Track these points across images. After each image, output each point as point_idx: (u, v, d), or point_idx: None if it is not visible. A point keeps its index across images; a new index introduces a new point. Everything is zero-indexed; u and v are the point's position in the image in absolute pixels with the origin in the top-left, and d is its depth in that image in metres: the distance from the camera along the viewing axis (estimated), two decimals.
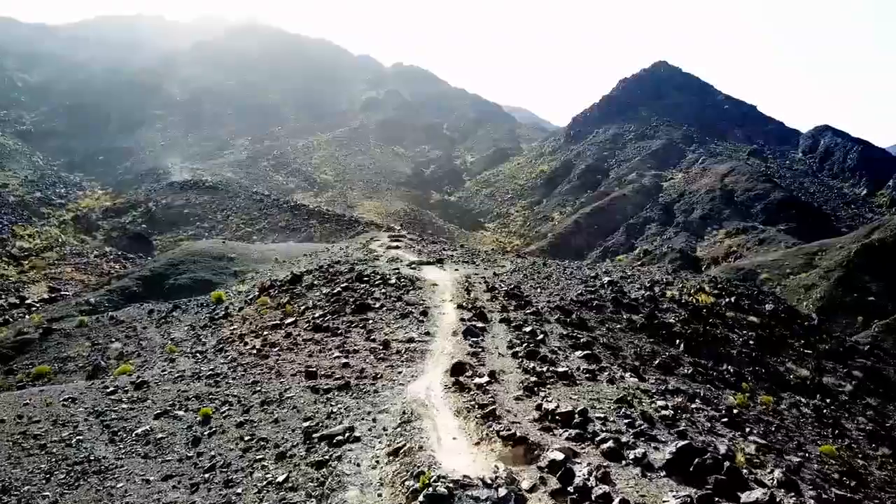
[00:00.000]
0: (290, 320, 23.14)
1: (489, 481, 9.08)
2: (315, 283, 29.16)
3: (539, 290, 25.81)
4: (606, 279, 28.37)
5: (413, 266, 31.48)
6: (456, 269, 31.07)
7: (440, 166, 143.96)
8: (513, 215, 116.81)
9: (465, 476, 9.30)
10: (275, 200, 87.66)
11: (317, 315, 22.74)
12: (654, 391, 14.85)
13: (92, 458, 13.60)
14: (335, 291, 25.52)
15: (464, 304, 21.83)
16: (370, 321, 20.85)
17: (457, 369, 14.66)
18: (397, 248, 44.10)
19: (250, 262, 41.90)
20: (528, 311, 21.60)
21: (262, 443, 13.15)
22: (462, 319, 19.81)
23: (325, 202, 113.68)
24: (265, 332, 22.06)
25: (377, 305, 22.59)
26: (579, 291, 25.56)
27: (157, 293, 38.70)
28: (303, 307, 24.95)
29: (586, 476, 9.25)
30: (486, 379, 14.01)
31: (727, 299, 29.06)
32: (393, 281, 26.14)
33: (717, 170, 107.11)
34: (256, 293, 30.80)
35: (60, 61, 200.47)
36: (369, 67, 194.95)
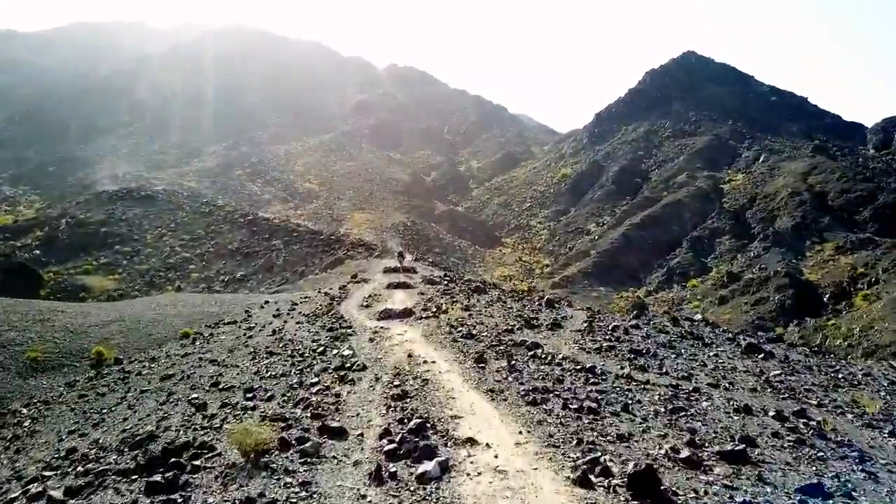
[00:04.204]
0: None
1: None
2: None
3: None
4: None
5: None
6: None
7: (443, 173, 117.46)
8: (535, 227, 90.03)
9: None
10: (228, 214, 60.26)
11: None
12: None
13: None
14: None
15: None
16: None
17: None
18: (406, 314, 17.25)
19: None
20: None
21: None
22: None
23: (307, 215, 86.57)
24: None
25: None
26: None
27: None
28: None
29: None
30: None
31: None
32: None
33: (791, 168, 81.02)
34: None
35: (25, 67, 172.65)
36: (361, 69, 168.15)
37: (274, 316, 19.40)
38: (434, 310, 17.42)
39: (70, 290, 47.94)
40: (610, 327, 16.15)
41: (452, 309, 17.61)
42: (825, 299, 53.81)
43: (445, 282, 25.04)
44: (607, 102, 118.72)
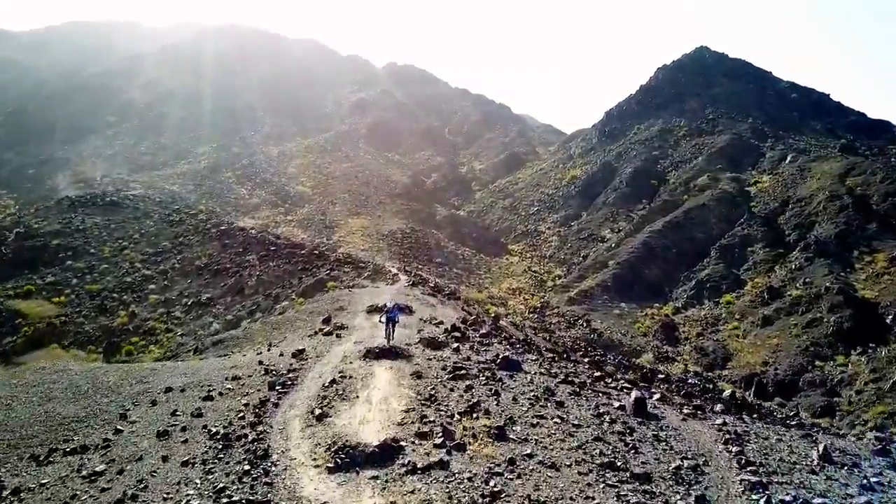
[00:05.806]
0: None
1: None
2: None
3: None
4: None
5: None
6: None
7: (444, 174, 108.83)
8: (544, 233, 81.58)
9: None
10: (199, 223, 51.69)
11: None
12: None
13: None
14: None
15: None
16: None
17: None
18: (386, 453, 8.49)
19: None
20: None
21: None
22: None
23: (298, 221, 78.14)
24: None
25: None
26: None
27: None
28: None
29: None
30: None
31: None
32: None
33: (824, 169, 72.55)
34: None
35: (13, 67, 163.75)
36: (359, 68, 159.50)
37: (159, 434, 11.12)
38: (440, 436, 9.15)
39: (4, 316, 39.42)
40: None
41: (473, 434, 9.26)
42: (888, 321, 45.43)
43: (454, 342, 16.72)
44: (609, 102, 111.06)
